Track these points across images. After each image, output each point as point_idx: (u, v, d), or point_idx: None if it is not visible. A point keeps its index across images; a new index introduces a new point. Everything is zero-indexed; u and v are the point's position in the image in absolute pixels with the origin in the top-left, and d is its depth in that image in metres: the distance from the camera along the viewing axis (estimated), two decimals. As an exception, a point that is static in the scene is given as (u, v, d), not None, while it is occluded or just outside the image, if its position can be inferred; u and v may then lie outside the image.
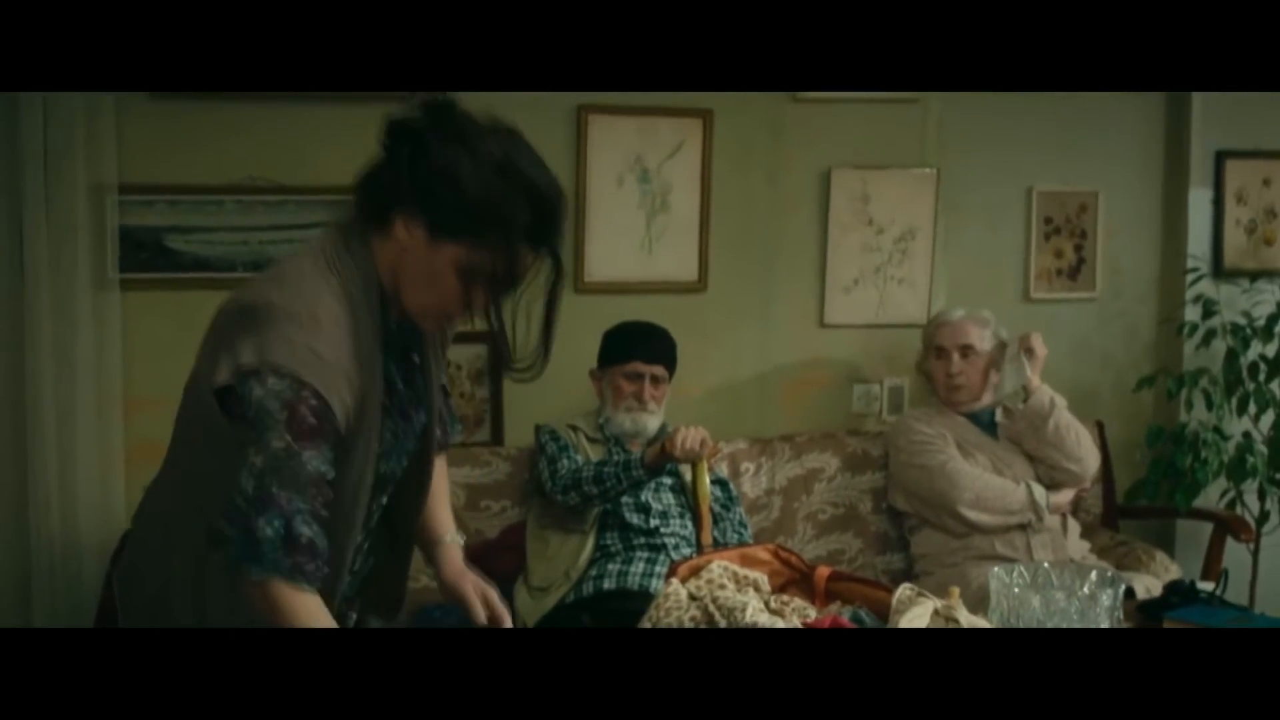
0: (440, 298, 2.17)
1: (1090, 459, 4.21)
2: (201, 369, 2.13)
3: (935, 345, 4.30)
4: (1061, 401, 4.19)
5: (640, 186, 4.41)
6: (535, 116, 4.30)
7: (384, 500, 2.37)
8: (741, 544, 3.75)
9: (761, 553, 2.95)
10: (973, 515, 4.07)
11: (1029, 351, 4.15)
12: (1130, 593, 3.46)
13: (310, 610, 2.06)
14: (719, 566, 2.77)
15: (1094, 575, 2.60)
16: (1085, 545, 4.24)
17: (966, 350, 4.25)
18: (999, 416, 4.28)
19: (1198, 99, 4.74)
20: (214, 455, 2.11)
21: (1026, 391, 4.17)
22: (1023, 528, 4.07)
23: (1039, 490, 4.09)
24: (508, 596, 3.10)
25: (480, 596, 2.53)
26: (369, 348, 2.15)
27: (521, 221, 2.10)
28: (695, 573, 2.77)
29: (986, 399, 4.29)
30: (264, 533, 1.99)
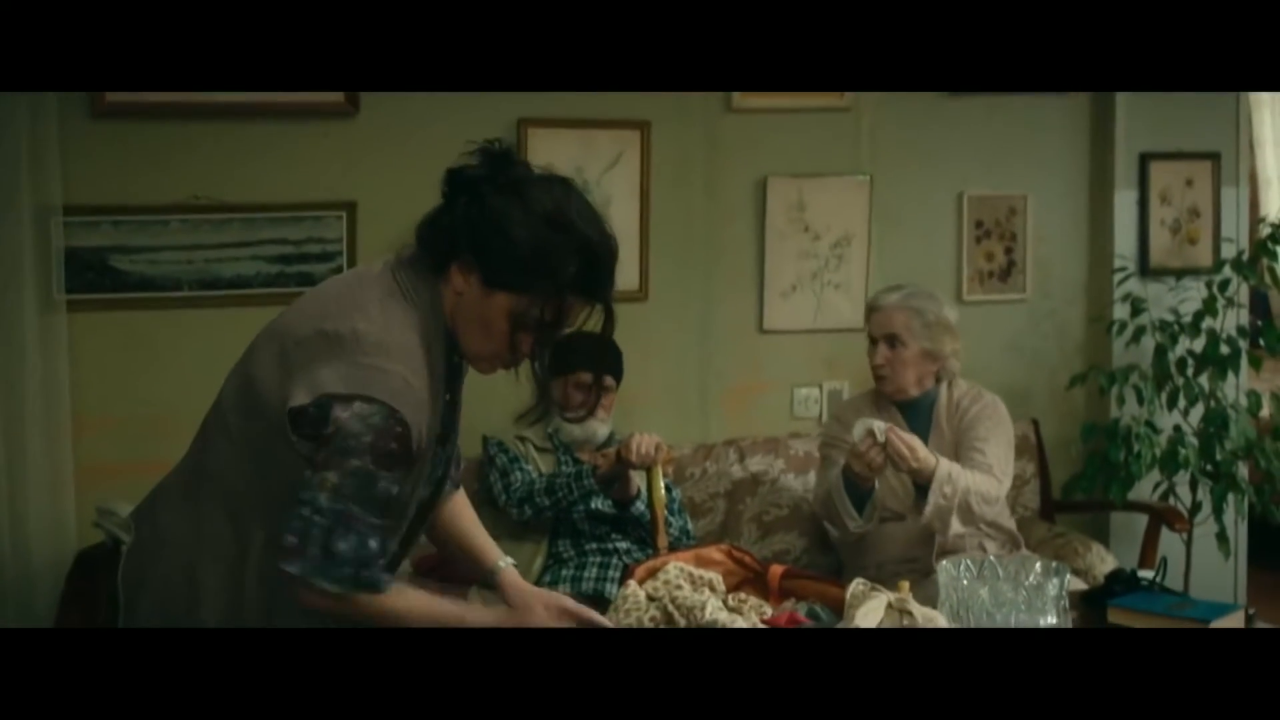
0: (494, 344, 2.24)
1: (1001, 490, 3.86)
2: (267, 387, 2.17)
3: (868, 331, 4.06)
4: (956, 472, 3.69)
5: (581, 198, 4.44)
6: (474, 130, 4.36)
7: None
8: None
9: (715, 553, 3.02)
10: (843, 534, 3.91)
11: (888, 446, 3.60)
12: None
13: (399, 603, 2.18)
14: (675, 568, 2.84)
15: (1038, 566, 2.69)
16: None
17: (892, 340, 3.94)
18: (941, 404, 4.01)
19: (1121, 103, 4.85)
20: (262, 470, 2.18)
21: (916, 486, 3.71)
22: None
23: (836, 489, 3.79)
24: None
25: (556, 609, 2.42)
26: (438, 381, 2.22)
27: (570, 273, 2.17)
28: (652, 574, 2.84)
29: (915, 392, 4.00)
30: (339, 548, 2.07)
